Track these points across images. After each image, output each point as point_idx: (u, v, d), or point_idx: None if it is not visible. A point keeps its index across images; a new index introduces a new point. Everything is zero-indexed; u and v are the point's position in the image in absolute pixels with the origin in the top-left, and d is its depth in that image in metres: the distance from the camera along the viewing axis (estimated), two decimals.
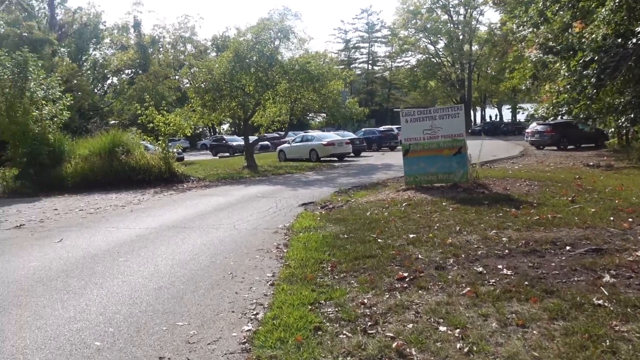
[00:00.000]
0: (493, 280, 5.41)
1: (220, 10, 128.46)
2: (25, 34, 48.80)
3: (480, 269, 5.83)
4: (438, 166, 11.44)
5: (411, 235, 7.61)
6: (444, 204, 9.93)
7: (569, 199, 9.74)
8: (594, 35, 17.02)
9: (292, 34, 23.92)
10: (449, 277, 5.64)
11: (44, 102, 21.22)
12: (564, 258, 6.08)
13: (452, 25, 67.84)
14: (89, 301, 5.70)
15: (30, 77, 21.05)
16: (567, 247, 6.48)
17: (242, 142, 30.46)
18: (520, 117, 73.34)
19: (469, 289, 5.18)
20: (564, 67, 19.57)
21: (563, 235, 7.07)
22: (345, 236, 8.01)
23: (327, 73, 24.48)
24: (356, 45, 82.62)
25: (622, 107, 16.87)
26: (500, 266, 5.87)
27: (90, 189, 18.36)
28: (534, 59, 19.93)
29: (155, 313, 5.24)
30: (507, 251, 6.47)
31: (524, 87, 21.88)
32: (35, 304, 5.73)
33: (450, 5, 67.39)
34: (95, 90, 63.34)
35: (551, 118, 21.00)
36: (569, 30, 20.62)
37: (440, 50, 69.99)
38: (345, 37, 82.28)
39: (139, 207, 13.32)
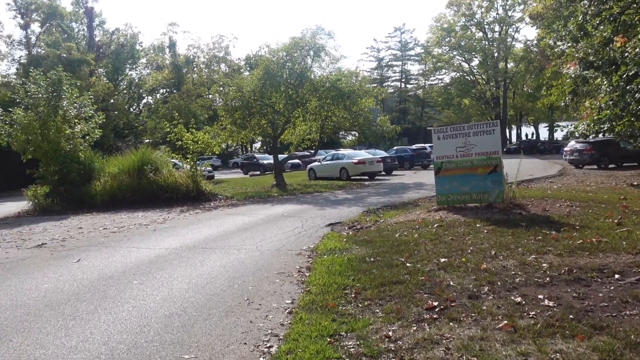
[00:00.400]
0: (533, 313, 4.85)
1: (254, 30, 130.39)
2: (64, 55, 50.17)
3: (519, 299, 5.26)
4: (472, 185, 10.85)
5: (442, 260, 7.08)
6: (478, 225, 9.33)
7: (615, 221, 9.02)
8: (637, 49, 16.24)
9: (324, 51, 23.69)
10: (484, 307, 5.10)
11: (76, 120, 21.44)
12: (612, 288, 5.47)
13: (486, 43, 66.85)
14: (95, 329, 5.35)
15: (64, 96, 21.35)
16: (616, 276, 5.85)
17: (273, 161, 30.24)
18: (558, 135, 71.98)
19: (505, 322, 4.64)
20: (605, 82, 18.76)
21: (610, 261, 6.44)
22: (372, 259, 7.52)
23: (358, 90, 24.11)
24: (389, 63, 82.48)
25: None
26: (540, 296, 5.30)
27: (119, 207, 18.33)
28: (572, 75, 19.14)
29: (162, 344, 4.85)
30: (548, 279, 5.88)
31: (562, 104, 21.04)
32: (39, 330, 5.41)
33: (485, 23, 66.51)
34: (131, 110, 64.61)
35: (592, 136, 20.15)
36: (610, 45, 19.78)
37: (475, 67, 69.01)
38: (378, 55, 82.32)
39: (162, 226, 13.08)
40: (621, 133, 17.06)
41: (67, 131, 20.49)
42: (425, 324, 4.80)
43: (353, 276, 6.69)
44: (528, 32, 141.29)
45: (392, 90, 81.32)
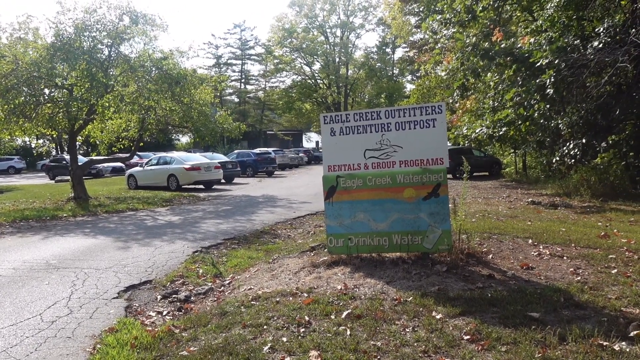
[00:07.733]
0: None
1: None
2: None
3: None
4: (393, 219, 5.94)
5: None
6: (437, 316, 4.34)
7: None
8: (549, 33, 12.93)
9: (144, 18, 17.51)
10: None
11: None
12: None
13: (328, 47, 65.37)
14: None
15: None
16: None
17: (91, 163, 23.73)
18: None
19: None
20: (495, 77, 15.46)
21: None
22: None
23: (190, 77, 18.42)
24: (228, 61, 76.55)
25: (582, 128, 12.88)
26: None
27: None
28: (458, 66, 15.57)
29: None
30: None
31: (450, 100, 17.69)
32: None
33: (327, 27, 65.08)
34: None
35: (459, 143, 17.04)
36: (490, 38, 16.60)
37: (317, 72, 67.00)
38: (216, 52, 76.02)
39: None
40: (524, 139, 13.75)
41: None
42: None
43: None
44: (368, 40, 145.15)
45: (231, 91, 75.85)
